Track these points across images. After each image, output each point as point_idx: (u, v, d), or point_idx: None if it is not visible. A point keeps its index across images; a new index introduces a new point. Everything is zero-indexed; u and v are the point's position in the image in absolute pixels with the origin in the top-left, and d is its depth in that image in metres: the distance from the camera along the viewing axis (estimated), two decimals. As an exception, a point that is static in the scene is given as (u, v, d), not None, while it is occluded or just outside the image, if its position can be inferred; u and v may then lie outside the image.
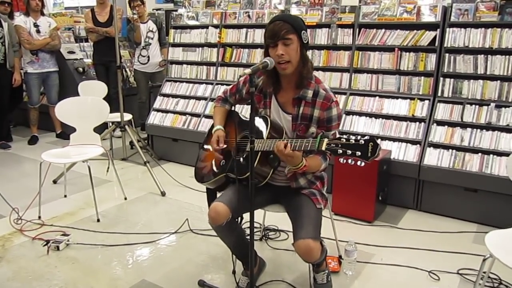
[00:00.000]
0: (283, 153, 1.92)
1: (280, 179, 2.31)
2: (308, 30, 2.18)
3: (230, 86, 2.45)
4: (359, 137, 1.74)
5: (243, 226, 2.48)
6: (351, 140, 1.74)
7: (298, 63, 2.09)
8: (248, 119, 2.30)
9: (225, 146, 2.27)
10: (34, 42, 5.50)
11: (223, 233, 2.27)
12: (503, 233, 2.15)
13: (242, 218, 2.29)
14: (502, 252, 1.94)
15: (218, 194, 2.43)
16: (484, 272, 2.36)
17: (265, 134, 2.12)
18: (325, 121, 2.13)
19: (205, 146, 2.53)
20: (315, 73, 2.28)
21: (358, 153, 1.72)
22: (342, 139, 1.76)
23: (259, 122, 2.20)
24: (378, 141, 3.79)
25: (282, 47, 2.03)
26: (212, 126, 2.44)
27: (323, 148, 1.80)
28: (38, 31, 5.53)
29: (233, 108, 2.46)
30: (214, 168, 2.37)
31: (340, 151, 1.76)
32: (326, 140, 1.81)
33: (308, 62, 2.13)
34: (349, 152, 1.74)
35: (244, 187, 2.06)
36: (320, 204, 2.22)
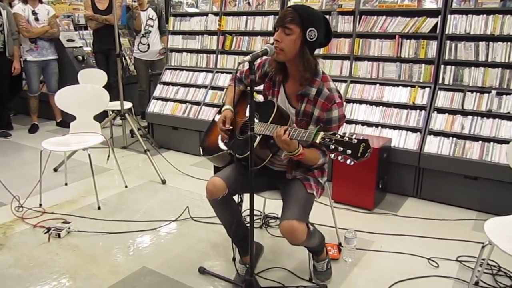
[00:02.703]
0: (280, 138, 1.92)
1: (278, 163, 2.32)
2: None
3: (245, 68, 2.41)
4: (353, 135, 1.75)
5: (243, 214, 2.49)
6: (345, 138, 1.76)
7: (293, 56, 2.04)
8: (259, 101, 2.33)
9: (231, 127, 2.28)
10: (33, 30, 5.47)
11: (219, 209, 2.29)
12: (502, 220, 2.15)
13: (241, 201, 2.31)
14: (501, 239, 1.95)
15: None
16: (483, 259, 2.38)
17: (270, 117, 2.12)
18: (324, 121, 2.09)
19: (214, 122, 2.54)
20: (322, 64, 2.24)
21: (349, 151, 1.74)
22: (336, 135, 1.79)
23: (267, 106, 2.20)
24: (379, 129, 3.81)
25: (280, 34, 2.01)
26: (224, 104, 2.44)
27: (318, 140, 1.82)
28: (36, 19, 5.50)
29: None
30: (219, 144, 2.39)
31: (332, 146, 1.78)
32: (321, 134, 1.82)
33: (307, 61, 2.05)
34: (341, 149, 1.76)
35: (243, 166, 2.08)
36: (312, 189, 2.20)
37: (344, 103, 3.40)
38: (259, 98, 2.50)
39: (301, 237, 2.05)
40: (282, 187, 2.32)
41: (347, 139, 1.75)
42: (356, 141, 1.73)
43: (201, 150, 2.51)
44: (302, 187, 2.19)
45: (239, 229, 2.33)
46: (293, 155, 1.99)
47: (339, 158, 1.80)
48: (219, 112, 2.50)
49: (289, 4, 2.23)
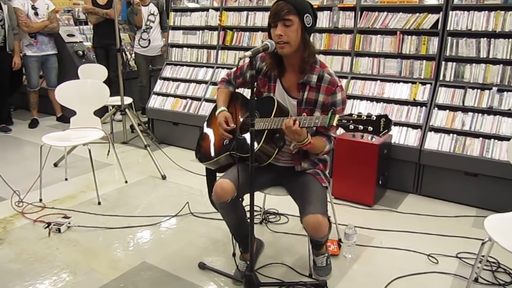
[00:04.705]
0: (291, 129, 1.91)
1: (283, 159, 2.31)
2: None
3: (234, 69, 2.43)
4: (370, 113, 1.75)
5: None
6: (362, 116, 1.76)
7: (298, 45, 2.07)
8: (257, 98, 2.30)
9: (234, 126, 2.26)
10: (32, 25, 5.46)
11: (225, 211, 2.27)
12: (502, 217, 2.15)
13: (243, 199, 2.30)
14: (501, 236, 1.95)
15: (218, 175, 2.43)
16: (483, 256, 2.38)
17: (272, 113, 2.10)
18: (329, 105, 2.12)
19: (207, 126, 2.51)
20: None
21: (370, 128, 1.74)
22: (353, 115, 1.78)
23: (266, 102, 2.18)
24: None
25: (281, 28, 2.01)
26: (215, 107, 2.42)
27: (334, 123, 1.81)
28: (36, 14, 5.49)
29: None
30: (217, 148, 2.36)
31: (351, 126, 1.77)
32: (337, 116, 1.81)
33: (310, 47, 2.10)
34: (361, 127, 1.76)
35: (248, 166, 2.06)
36: (325, 183, 2.24)
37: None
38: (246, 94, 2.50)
39: (325, 231, 2.09)
40: (290, 182, 2.32)
41: (365, 117, 1.75)
42: (375, 117, 1.74)
43: (197, 157, 2.46)
44: (316, 181, 2.21)
45: (242, 227, 2.32)
46: (303, 145, 2.00)
47: (361, 136, 1.82)
48: (210, 115, 2.48)
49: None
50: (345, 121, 1.79)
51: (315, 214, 2.02)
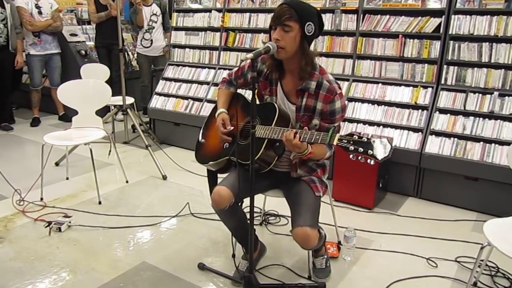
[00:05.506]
0: (291, 143, 1.90)
1: (282, 165, 2.31)
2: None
3: (235, 69, 2.41)
4: (371, 135, 1.74)
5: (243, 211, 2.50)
6: (363, 138, 1.74)
7: (294, 52, 2.04)
8: (257, 104, 2.29)
9: (232, 128, 2.25)
10: (36, 24, 5.47)
11: (225, 217, 2.28)
12: (502, 221, 2.16)
13: (242, 202, 2.30)
14: (500, 241, 1.95)
15: (219, 176, 2.43)
16: (482, 260, 2.38)
17: (273, 121, 2.09)
18: (328, 114, 2.10)
19: (207, 128, 2.50)
20: (319, 60, 2.24)
21: (370, 151, 1.73)
22: (354, 136, 1.76)
23: (267, 108, 2.17)
24: (380, 128, 3.79)
25: (279, 32, 1.99)
26: (215, 108, 2.41)
27: (335, 143, 1.79)
28: (40, 13, 5.50)
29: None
30: (217, 151, 2.35)
31: (351, 147, 1.76)
32: (338, 135, 1.79)
33: (308, 55, 2.06)
34: (361, 149, 1.75)
35: (246, 171, 2.06)
36: (319, 191, 2.21)
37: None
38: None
39: (314, 243, 2.07)
40: (286, 188, 2.31)
41: (365, 139, 1.74)
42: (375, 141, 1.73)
43: (197, 158, 2.45)
44: (310, 190, 2.19)
45: (243, 229, 2.32)
46: (303, 155, 1.99)
47: (359, 158, 1.80)
48: (210, 116, 2.47)
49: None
50: (345, 141, 1.77)
51: (304, 227, 2.01)
